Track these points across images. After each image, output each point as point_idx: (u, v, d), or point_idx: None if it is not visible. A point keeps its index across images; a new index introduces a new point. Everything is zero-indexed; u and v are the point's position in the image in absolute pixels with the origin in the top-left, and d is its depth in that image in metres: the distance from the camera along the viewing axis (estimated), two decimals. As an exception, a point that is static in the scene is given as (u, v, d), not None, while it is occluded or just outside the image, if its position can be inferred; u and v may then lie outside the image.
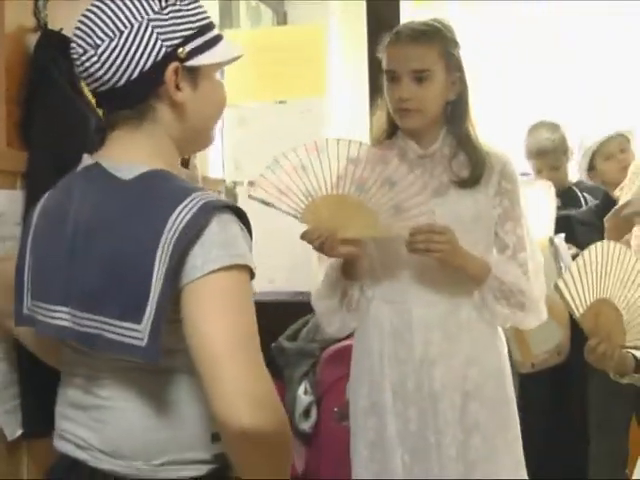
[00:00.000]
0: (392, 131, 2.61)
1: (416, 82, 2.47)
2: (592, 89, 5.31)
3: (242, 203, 4.08)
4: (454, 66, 2.53)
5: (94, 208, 1.56)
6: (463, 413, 2.48)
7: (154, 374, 1.55)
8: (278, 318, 3.72)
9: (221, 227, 1.48)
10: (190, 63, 1.60)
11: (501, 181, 2.52)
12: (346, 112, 4.90)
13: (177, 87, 1.59)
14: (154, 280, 1.45)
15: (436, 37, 2.51)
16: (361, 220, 2.34)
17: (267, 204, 2.33)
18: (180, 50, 1.58)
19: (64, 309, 1.58)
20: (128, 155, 1.61)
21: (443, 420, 2.46)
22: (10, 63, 2.47)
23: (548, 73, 5.34)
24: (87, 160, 1.66)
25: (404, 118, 2.51)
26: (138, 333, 1.46)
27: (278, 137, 3.99)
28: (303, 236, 2.35)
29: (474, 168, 2.50)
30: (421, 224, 2.35)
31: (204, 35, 1.62)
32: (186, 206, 1.47)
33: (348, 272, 2.51)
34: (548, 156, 4.07)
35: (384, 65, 2.53)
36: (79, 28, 1.59)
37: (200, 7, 1.64)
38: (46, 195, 1.72)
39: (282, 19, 5.67)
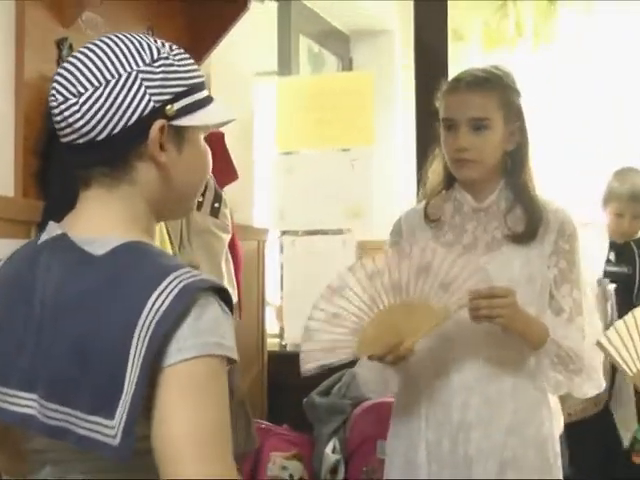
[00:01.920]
0: (449, 182, 2.50)
1: (474, 131, 2.35)
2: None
3: (286, 253, 4.10)
4: (514, 115, 2.41)
5: (61, 285, 1.42)
6: None
7: (128, 463, 1.38)
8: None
9: (200, 312, 1.35)
10: (178, 122, 1.48)
11: (558, 240, 2.38)
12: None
13: (162, 147, 1.46)
14: (129, 370, 1.31)
15: (496, 85, 2.40)
16: (417, 318, 2.25)
17: (325, 366, 2.26)
18: (169, 107, 1.45)
19: (30, 396, 1.42)
20: (100, 223, 1.47)
21: None
22: (29, 113, 2.47)
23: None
24: (53, 229, 1.51)
25: (461, 169, 2.39)
26: (110, 430, 1.32)
27: (325, 186, 3.96)
28: (371, 358, 2.27)
29: (530, 222, 2.38)
30: (481, 288, 2.23)
31: (195, 94, 1.49)
32: (165, 289, 1.34)
33: None
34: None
35: (441, 113, 2.42)
36: (61, 74, 1.45)
37: (192, 65, 1.52)
38: (4, 263, 1.57)
39: (347, 65, 5.66)
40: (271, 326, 4.20)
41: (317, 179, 4.00)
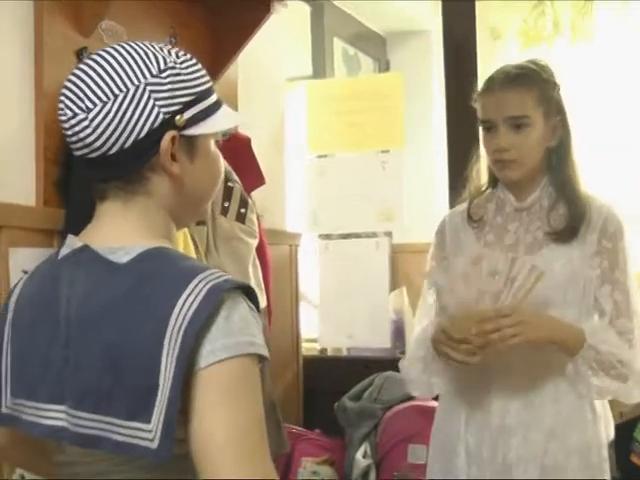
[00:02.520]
0: (494, 182, 2.46)
1: (513, 130, 2.29)
2: None
3: (319, 257, 4.08)
4: (554, 109, 2.34)
5: (87, 296, 1.43)
6: None
7: (167, 462, 1.40)
8: (349, 374, 3.64)
9: (229, 312, 1.36)
10: (188, 132, 1.48)
11: (601, 239, 2.30)
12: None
13: (173, 157, 1.47)
14: (162, 374, 1.33)
15: (533, 80, 2.33)
16: None
17: None
18: (178, 117, 1.45)
19: (59, 407, 1.44)
20: (121, 233, 1.48)
21: None
22: (49, 123, 2.49)
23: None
24: (73, 242, 1.51)
25: (503, 170, 2.33)
26: (148, 433, 1.34)
27: (358, 189, 3.94)
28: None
29: (572, 219, 2.31)
30: (486, 312, 2.18)
31: (203, 102, 1.49)
32: (192, 291, 1.35)
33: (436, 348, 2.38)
34: None
35: (479, 115, 2.37)
36: (68, 88, 1.45)
37: (200, 71, 1.51)
38: (21, 282, 1.59)
39: (384, 67, 5.63)
40: (307, 330, 4.19)
41: (349, 182, 3.98)
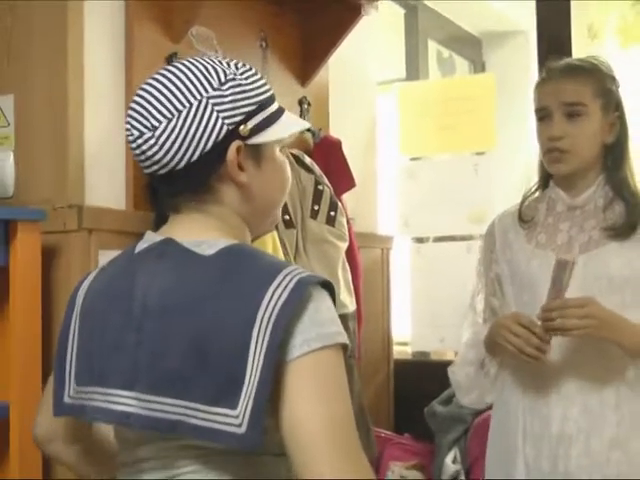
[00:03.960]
0: (545, 182, 2.40)
1: (568, 118, 2.24)
2: None
3: (413, 261, 4.06)
4: (613, 104, 2.29)
5: (171, 285, 1.45)
6: None
7: (242, 458, 1.44)
8: (441, 378, 3.60)
9: (318, 304, 1.40)
10: (253, 141, 1.50)
11: None
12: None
13: (240, 167, 1.50)
14: (250, 361, 1.35)
15: (592, 72, 2.28)
16: None
17: None
18: (242, 128, 1.48)
19: (127, 393, 1.46)
20: (201, 230, 1.51)
21: None
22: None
23: None
24: (152, 237, 1.56)
25: (554, 162, 2.28)
26: (234, 419, 1.35)
27: (449, 192, 3.90)
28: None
29: (630, 216, 2.25)
30: (554, 301, 2.14)
31: (265, 110, 1.53)
32: (281, 283, 1.38)
33: (492, 348, 2.35)
34: None
35: (535, 105, 2.32)
36: (133, 109, 1.49)
37: (260, 80, 1.54)
38: (90, 276, 1.62)
39: (480, 68, 5.57)
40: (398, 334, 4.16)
41: (441, 184, 3.94)
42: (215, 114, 1.46)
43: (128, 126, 1.50)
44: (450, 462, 3.15)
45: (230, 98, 1.47)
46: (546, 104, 2.28)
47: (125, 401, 1.46)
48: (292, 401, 1.35)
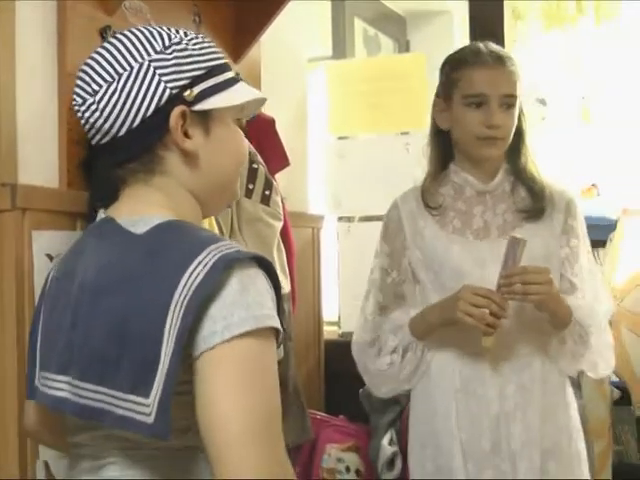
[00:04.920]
0: (443, 165, 2.46)
1: (504, 109, 2.32)
2: None
3: (342, 240, 4.03)
4: (520, 94, 2.40)
5: (104, 266, 1.40)
6: (543, 473, 2.31)
7: (167, 454, 1.38)
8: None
9: (244, 284, 1.31)
10: (199, 107, 1.45)
11: (567, 219, 2.38)
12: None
13: (186, 134, 1.45)
14: (164, 347, 1.28)
15: (515, 64, 2.38)
16: None
17: None
18: (187, 92, 1.43)
19: (63, 378, 1.41)
20: (142, 206, 1.46)
21: None
22: (71, 103, 2.43)
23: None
24: (102, 215, 1.53)
25: (489, 147, 2.34)
26: (145, 408, 1.29)
27: (381, 171, 3.88)
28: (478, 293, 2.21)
29: (536, 200, 2.37)
30: (514, 267, 2.20)
31: (215, 77, 1.48)
32: (202, 261, 1.30)
33: (426, 332, 2.37)
34: None
35: (464, 89, 2.35)
36: (79, 77, 1.47)
37: (211, 47, 1.50)
38: (62, 256, 1.59)
39: (404, 48, 5.57)
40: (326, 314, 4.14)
41: (372, 164, 3.92)
42: (157, 77, 1.41)
43: (74, 95, 1.47)
44: (387, 444, 3.13)
45: (174, 62, 1.43)
46: (483, 92, 2.32)
47: (59, 386, 1.42)
48: (209, 394, 1.27)
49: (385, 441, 3.14)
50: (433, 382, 2.40)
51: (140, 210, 1.45)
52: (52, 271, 1.58)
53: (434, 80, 3.90)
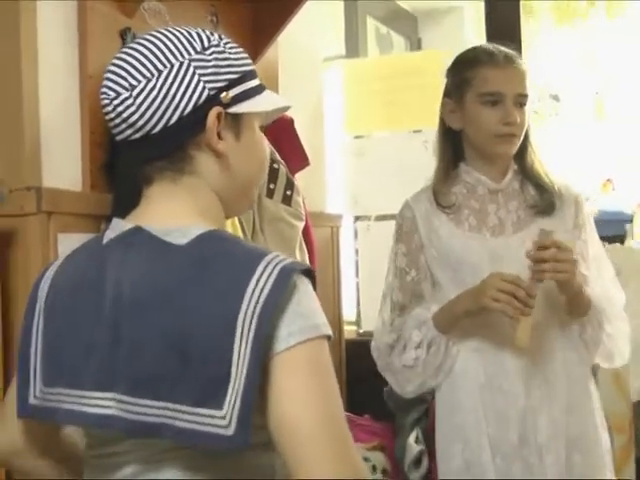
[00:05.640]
0: (455, 164, 2.48)
1: (518, 107, 2.37)
2: None
3: (361, 239, 4.02)
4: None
5: (143, 279, 1.38)
6: (569, 465, 2.33)
7: (225, 458, 1.37)
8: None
9: (301, 294, 1.34)
10: (234, 109, 1.46)
11: (577, 213, 2.43)
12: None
13: (219, 136, 1.45)
14: (235, 358, 1.28)
15: (525, 62, 2.44)
16: None
17: None
18: (224, 94, 1.44)
19: (107, 395, 1.38)
20: (172, 214, 1.44)
21: (550, 474, 2.31)
22: (94, 105, 2.43)
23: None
24: (120, 225, 1.47)
25: (505, 144, 2.38)
26: (221, 420, 1.28)
27: (398, 169, 3.86)
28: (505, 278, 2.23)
29: (545, 195, 2.41)
30: (543, 241, 2.23)
31: (248, 82, 1.48)
32: (264, 272, 1.32)
33: (450, 324, 2.37)
34: None
35: (479, 87, 2.38)
36: (111, 71, 1.44)
37: (243, 53, 1.51)
38: (53, 268, 1.53)
39: (416, 46, 5.58)
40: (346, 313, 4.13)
41: (389, 162, 3.91)
42: (197, 77, 1.41)
43: (104, 89, 1.44)
44: (413, 442, 3.11)
45: (213, 63, 1.43)
46: (500, 90, 2.36)
47: (102, 403, 1.38)
48: (280, 397, 1.30)
49: (411, 439, 3.12)
50: (458, 378, 2.40)
51: (170, 218, 1.44)
52: (44, 280, 1.52)
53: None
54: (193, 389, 1.31)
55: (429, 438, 3.21)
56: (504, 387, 2.33)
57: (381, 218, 4.04)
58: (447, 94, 2.47)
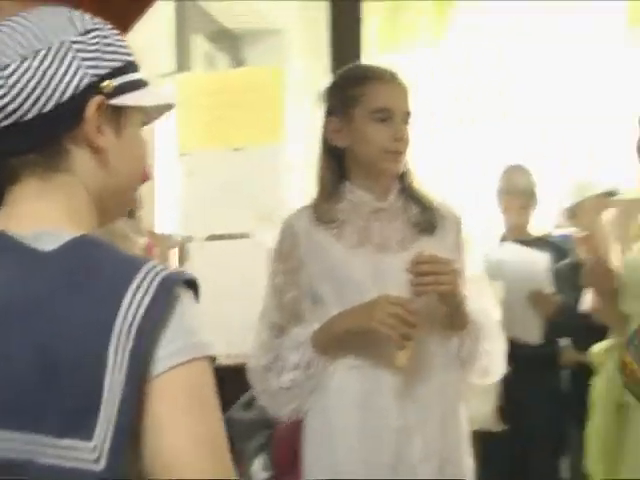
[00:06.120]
0: (339, 181, 2.43)
1: (405, 125, 2.36)
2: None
3: (194, 260, 3.92)
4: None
5: (10, 289, 1.22)
6: None
7: None
8: (231, 382, 3.49)
9: (185, 308, 1.19)
10: (116, 101, 1.29)
11: (458, 234, 2.45)
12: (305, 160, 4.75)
13: (98, 129, 1.28)
14: (108, 380, 1.13)
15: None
16: None
17: None
18: (106, 83, 1.27)
19: None
20: (41, 217, 1.28)
21: None
22: None
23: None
24: None
25: (393, 161, 2.36)
26: (90, 453, 1.13)
27: (233, 188, 3.80)
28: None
29: (427, 214, 2.41)
30: (422, 255, 2.23)
31: (132, 73, 1.33)
32: (142, 282, 1.17)
33: (330, 343, 2.32)
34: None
35: (369, 104, 2.34)
36: None
37: (125, 41, 1.34)
38: None
39: (239, 65, 5.61)
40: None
41: (224, 180, 3.83)
42: (78, 60, 1.25)
43: None
44: (259, 469, 3.04)
45: (96, 47, 1.26)
46: (390, 106, 2.34)
47: None
48: (159, 426, 1.15)
49: (257, 467, 3.05)
50: (333, 398, 2.34)
51: (37, 222, 1.26)
52: None
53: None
54: (59, 416, 1.15)
55: (275, 465, 3.16)
56: (379, 405, 2.29)
57: (215, 238, 3.96)
58: (331, 112, 2.41)
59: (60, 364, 1.14)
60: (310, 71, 4.99)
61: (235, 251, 3.86)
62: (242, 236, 3.92)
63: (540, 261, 3.86)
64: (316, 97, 2.50)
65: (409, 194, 2.43)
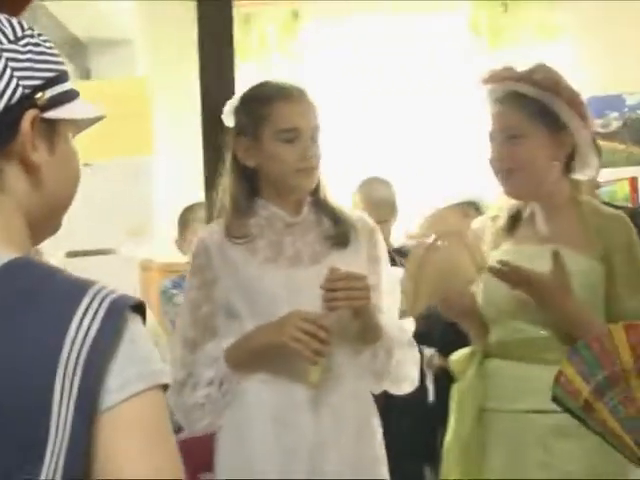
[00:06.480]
0: (250, 199, 2.43)
1: (314, 142, 2.36)
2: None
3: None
4: None
5: None
6: None
7: None
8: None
9: (135, 335, 1.12)
10: (50, 114, 1.21)
11: (371, 247, 2.46)
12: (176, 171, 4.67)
13: (32, 145, 1.19)
14: (55, 413, 1.06)
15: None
16: None
17: None
18: (39, 95, 1.19)
19: None
20: None
21: None
22: None
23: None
24: None
25: (309, 178, 2.36)
26: None
27: (96, 202, 3.67)
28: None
29: (340, 228, 2.42)
30: (335, 273, 2.24)
31: (65, 84, 1.24)
32: (89, 308, 1.09)
33: (245, 359, 2.31)
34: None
35: (277, 124, 2.34)
36: None
37: (56, 50, 1.25)
38: None
39: (85, 75, 5.44)
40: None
41: (90, 193, 3.69)
42: (9, 71, 1.16)
43: None
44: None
45: (28, 56, 1.18)
46: (297, 126, 2.34)
47: None
48: (112, 461, 1.08)
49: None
50: (246, 413, 2.33)
51: None
52: None
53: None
54: (5, 452, 1.07)
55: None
56: (293, 419, 2.29)
57: (75, 255, 3.83)
58: (240, 132, 2.40)
59: (3, 401, 1.06)
60: (166, 81, 4.90)
61: (100, 267, 3.74)
62: (108, 252, 3.80)
63: (395, 273, 3.93)
64: (225, 114, 2.47)
65: (322, 208, 2.44)
